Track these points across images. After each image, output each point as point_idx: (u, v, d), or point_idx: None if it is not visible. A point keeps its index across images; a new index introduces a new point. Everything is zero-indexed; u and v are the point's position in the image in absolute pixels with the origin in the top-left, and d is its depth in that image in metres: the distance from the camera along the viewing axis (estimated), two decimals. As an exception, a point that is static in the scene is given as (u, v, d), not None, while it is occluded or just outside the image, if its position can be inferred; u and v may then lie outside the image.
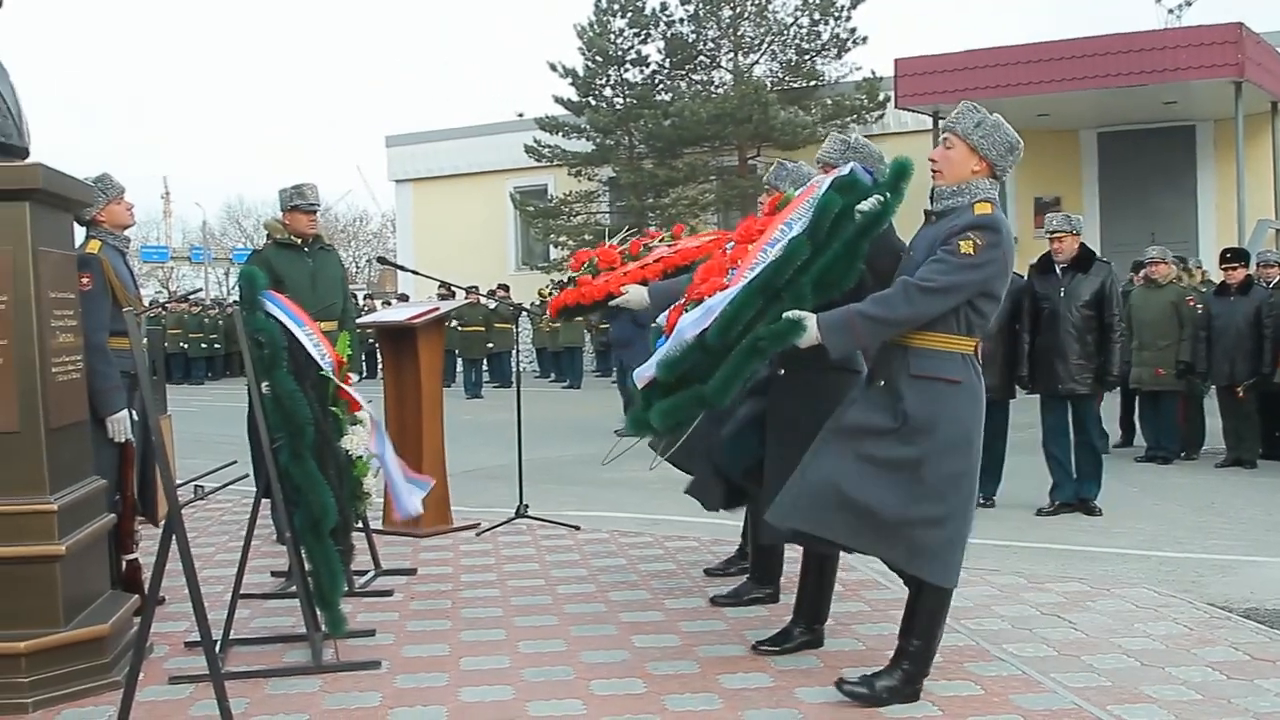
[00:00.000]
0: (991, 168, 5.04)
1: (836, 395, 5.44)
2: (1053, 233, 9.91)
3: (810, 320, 4.90)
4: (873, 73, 30.06)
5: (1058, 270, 9.87)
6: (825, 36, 31.54)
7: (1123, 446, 14.07)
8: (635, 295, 6.61)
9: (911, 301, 4.87)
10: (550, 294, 7.31)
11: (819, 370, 5.58)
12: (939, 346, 4.98)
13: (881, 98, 29.00)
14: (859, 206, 5.02)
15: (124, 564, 6.64)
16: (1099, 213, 27.46)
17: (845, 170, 5.25)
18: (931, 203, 5.14)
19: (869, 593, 6.93)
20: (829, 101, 30.29)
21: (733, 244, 5.62)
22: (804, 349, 4.99)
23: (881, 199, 5.02)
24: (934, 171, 5.12)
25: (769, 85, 30.94)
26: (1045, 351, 9.84)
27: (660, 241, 7.27)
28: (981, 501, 9.98)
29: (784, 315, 4.91)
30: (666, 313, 5.50)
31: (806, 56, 31.78)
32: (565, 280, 7.44)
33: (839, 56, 31.75)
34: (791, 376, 5.86)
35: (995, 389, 9.81)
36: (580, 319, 7.10)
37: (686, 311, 5.24)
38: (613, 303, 6.82)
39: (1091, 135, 28.03)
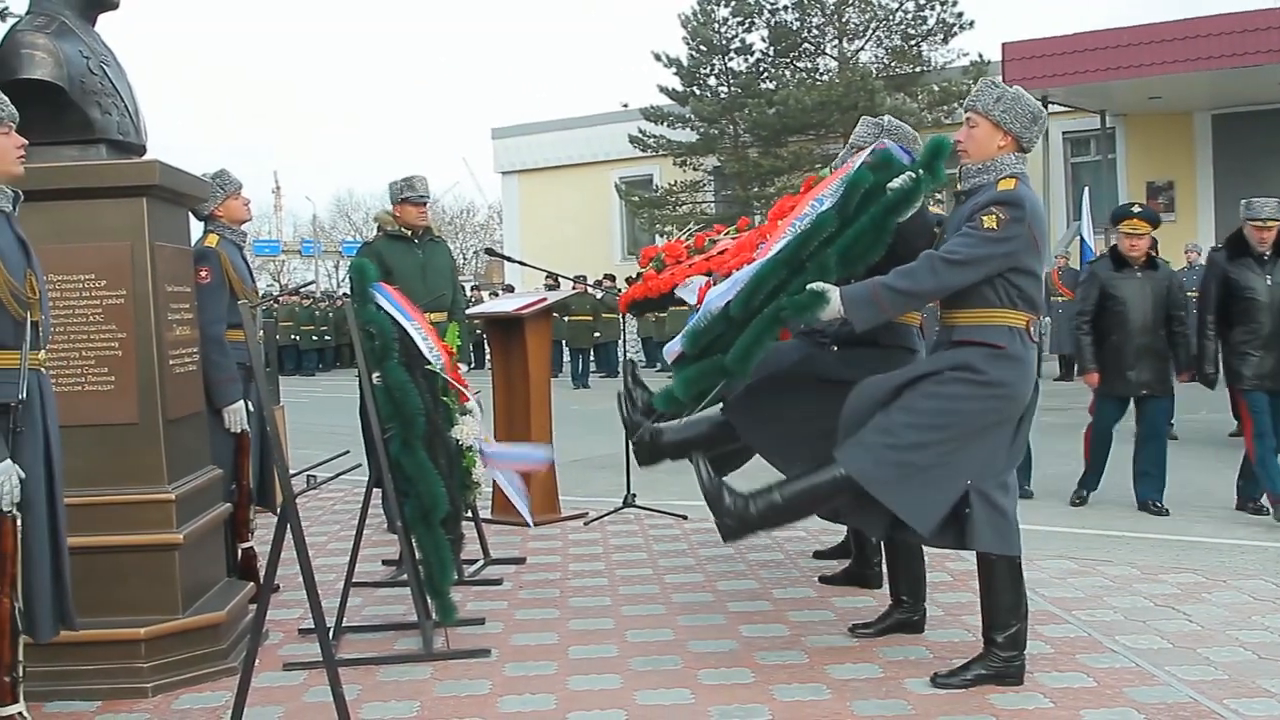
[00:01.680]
0: (1017, 141, 5.10)
1: (892, 369, 5.49)
2: (1266, 220, 9.08)
3: (833, 292, 4.94)
4: (980, 57, 29.69)
5: (1258, 258, 9.12)
6: (931, 21, 31.19)
7: (1238, 435, 13.77)
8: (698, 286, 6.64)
9: (936, 273, 4.94)
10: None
11: (873, 346, 5.59)
12: (984, 321, 5.04)
13: (989, 83, 28.63)
14: (889, 184, 5.05)
15: (240, 552, 6.77)
16: (1214, 197, 26.90)
17: (878, 149, 5.29)
18: (960, 183, 5.17)
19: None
20: (935, 87, 29.97)
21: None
22: (859, 330, 5.09)
23: (913, 176, 5.04)
24: (961, 152, 5.14)
25: (874, 72, 30.68)
26: (1244, 345, 9.06)
27: (725, 234, 7.29)
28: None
29: (806, 287, 4.94)
30: (697, 289, 5.54)
31: (912, 42, 31.46)
32: (634, 275, 7.51)
33: (945, 41, 31.40)
34: (845, 353, 5.83)
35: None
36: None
37: (714, 286, 5.30)
38: (677, 293, 6.86)
39: (1206, 117, 27.44)
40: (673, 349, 5.35)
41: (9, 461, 4.26)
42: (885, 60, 31.65)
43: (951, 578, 6.86)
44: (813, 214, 5.15)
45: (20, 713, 4.35)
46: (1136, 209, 9.46)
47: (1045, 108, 25.70)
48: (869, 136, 5.92)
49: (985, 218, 4.92)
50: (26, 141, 4.55)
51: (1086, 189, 21.42)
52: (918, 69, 31.01)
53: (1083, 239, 19.88)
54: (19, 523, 4.29)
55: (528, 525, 7.05)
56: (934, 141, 5.11)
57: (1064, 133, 29.06)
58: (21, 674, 4.37)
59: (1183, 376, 9.59)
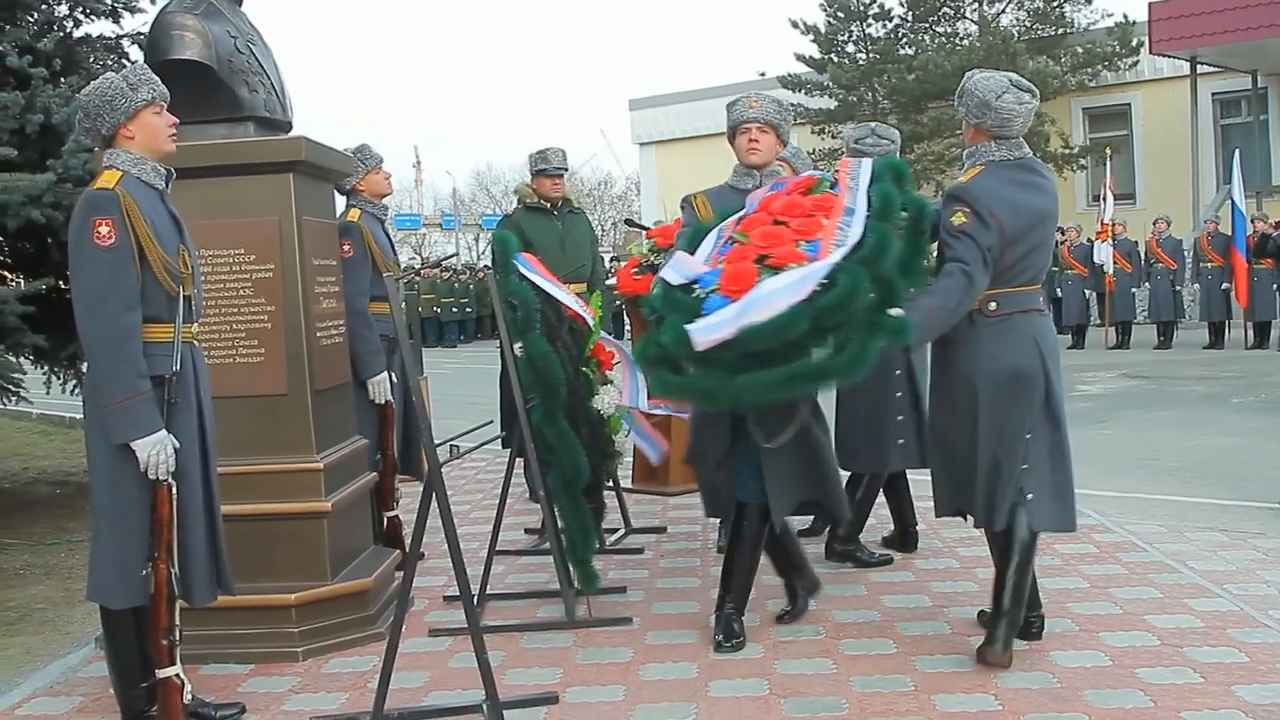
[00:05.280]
0: (986, 131, 5.07)
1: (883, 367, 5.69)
2: None
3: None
4: (1125, 17, 29.00)
5: None
6: (1075, -19, 30.59)
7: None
8: None
9: (971, 280, 4.90)
10: None
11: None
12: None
13: (1135, 43, 27.98)
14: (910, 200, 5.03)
15: (385, 520, 6.89)
16: (1372, 159, 26.10)
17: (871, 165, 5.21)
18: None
19: (1127, 555, 6.75)
20: (1079, 50, 29.38)
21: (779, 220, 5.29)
22: None
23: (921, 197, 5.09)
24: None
25: (1016, 35, 30.12)
26: None
27: None
28: None
29: (890, 313, 4.68)
30: (679, 266, 5.18)
31: (1055, 3, 30.85)
32: (646, 265, 7.50)
33: (1089, 2, 30.75)
34: None
35: None
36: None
37: (764, 277, 4.75)
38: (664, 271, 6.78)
39: (1366, 75, 26.60)
40: (713, 334, 4.68)
41: (164, 431, 4.37)
42: (1027, 23, 31.10)
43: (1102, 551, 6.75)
44: (860, 214, 4.87)
45: (177, 674, 4.48)
46: None
47: (1194, 69, 25.03)
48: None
49: (953, 218, 4.93)
50: (178, 120, 4.66)
51: (1237, 152, 20.82)
52: (1060, 31, 30.42)
53: (1234, 203, 19.36)
54: (174, 491, 4.41)
55: (654, 459, 7.17)
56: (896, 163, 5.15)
57: (1213, 94, 28.32)
58: (178, 637, 4.49)
59: None
